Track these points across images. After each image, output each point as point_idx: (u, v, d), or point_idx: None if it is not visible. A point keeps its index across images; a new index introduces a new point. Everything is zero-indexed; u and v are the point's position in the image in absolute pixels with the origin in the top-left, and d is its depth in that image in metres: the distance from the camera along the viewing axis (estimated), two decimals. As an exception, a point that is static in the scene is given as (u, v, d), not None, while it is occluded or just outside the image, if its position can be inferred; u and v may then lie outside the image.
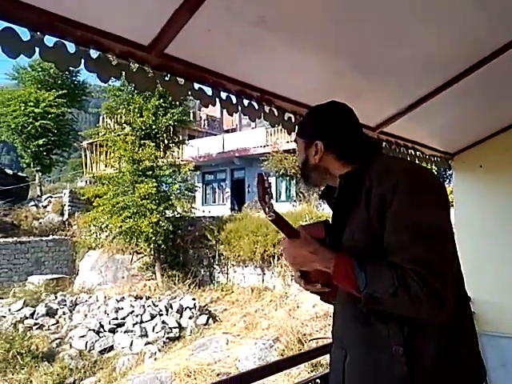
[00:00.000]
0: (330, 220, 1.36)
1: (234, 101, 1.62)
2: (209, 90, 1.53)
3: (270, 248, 11.41)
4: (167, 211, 13.10)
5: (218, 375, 7.21)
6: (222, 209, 17.97)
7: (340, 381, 1.25)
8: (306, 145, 1.34)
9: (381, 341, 1.15)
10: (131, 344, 9.11)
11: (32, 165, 19.90)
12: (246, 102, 1.67)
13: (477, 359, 1.26)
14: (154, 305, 10.48)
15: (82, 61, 1.18)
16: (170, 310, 10.27)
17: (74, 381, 8.33)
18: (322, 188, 1.43)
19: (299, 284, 1.34)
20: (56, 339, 9.47)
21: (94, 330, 9.42)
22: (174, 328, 9.60)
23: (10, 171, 19.87)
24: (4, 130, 19.10)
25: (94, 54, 1.21)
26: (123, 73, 1.26)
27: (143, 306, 10.36)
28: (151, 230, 12.12)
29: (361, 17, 1.52)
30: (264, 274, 11.95)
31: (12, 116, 18.31)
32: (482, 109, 2.72)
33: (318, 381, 1.76)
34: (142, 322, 9.77)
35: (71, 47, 1.17)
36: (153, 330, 9.49)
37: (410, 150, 2.95)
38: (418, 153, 3.03)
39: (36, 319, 10.25)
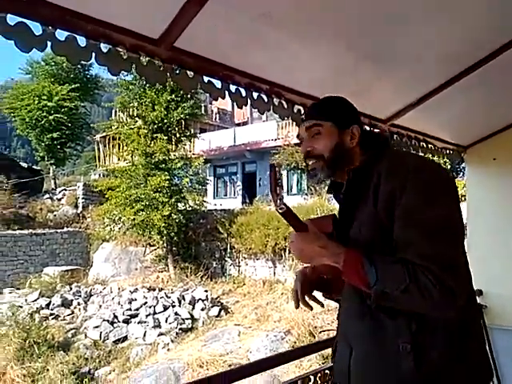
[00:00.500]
0: (337, 214, 1.35)
1: (244, 94, 1.63)
2: (218, 83, 1.54)
3: (282, 241, 11.43)
4: (179, 204, 13.19)
5: (229, 366, 7.29)
6: (233, 202, 18.02)
7: (346, 377, 1.24)
8: (339, 130, 1.29)
9: (388, 337, 1.14)
10: (144, 334, 9.24)
11: (46, 158, 20.19)
12: (255, 94, 1.68)
13: (486, 355, 1.25)
14: (166, 296, 10.61)
15: (93, 54, 1.20)
16: (182, 301, 10.39)
17: (89, 370, 8.49)
18: (329, 182, 1.40)
19: (295, 301, 1.35)
20: (71, 329, 9.67)
21: (108, 321, 9.58)
22: (187, 319, 9.71)
23: (24, 164, 20.20)
24: (19, 124, 19.39)
25: (104, 47, 1.22)
26: (133, 66, 1.28)
27: (156, 297, 10.49)
28: (163, 223, 12.23)
29: (371, 7, 1.50)
30: (275, 266, 11.98)
31: (26, 110, 18.55)
32: (496, 100, 2.67)
33: (327, 371, 1.77)
34: (155, 313, 9.89)
35: (82, 41, 1.19)
36: (166, 321, 9.61)
37: (421, 143, 2.93)
38: (429, 145, 3.00)
39: (52, 309, 10.47)
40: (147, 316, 9.76)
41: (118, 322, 9.69)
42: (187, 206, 13.65)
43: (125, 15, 1.22)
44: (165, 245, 13.41)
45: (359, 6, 1.49)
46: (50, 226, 16.06)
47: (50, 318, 10.13)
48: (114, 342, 9.16)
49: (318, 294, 1.40)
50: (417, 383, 1.11)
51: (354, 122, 1.30)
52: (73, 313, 10.61)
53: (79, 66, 20.42)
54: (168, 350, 8.73)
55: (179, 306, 10.22)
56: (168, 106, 13.61)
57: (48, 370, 8.29)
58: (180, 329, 9.41)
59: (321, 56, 1.76)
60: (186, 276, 12.48)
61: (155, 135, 13.35)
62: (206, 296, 10.55)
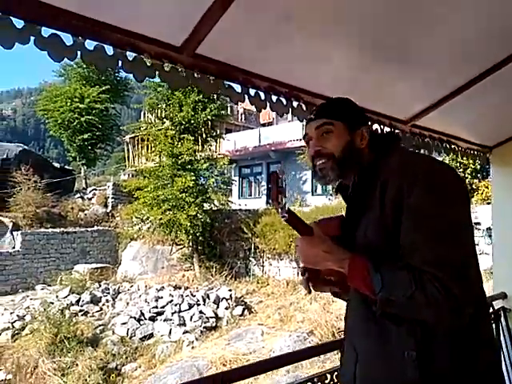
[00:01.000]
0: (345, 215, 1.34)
1: (263, 97, 1.68)
2: (238, 87, 1.60)
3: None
4: (205, 204, 13.37)
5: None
6: (257, 202, 18.09)
7: (352, 382, 1.23)
8: (349, 130, 1.27)
9: (393, 344, 1.11)
10: (170, 332, 9.39)
11: (78, 158, 20.77)
12: (274, 97, 1.73)
13: (496, 365, 1.19)
14: (191, 295, 10.77)
15: (120, 62, 1.28)
16: (207, 300, 10.52)
17: (116, 366, 8.69)
18: (337, 183, 1.37)
19: (306, 288, 1.31)
20: (100, 325, 9.91)
21: (135, 318, 9.78)
22: (211, 318, 9.83)
23: (57, 164, 20.82)
24: (52, 125, 20.02)
25: (130, 55, 1.30)
26: (157, 72, 1.35)
27: (182, 295, 10.66)
28: (189, 223, 12.41)
29: (394, 7, 1.51)
30: (299, 267, 11.98)
31: (59, 112, 19.13)
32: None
33: (327, 375, 1.80)
34: (180, 311, 10.05)
35: (109, 50, 1.27)
36: (190, 319, 9.75)
37: (444, 144, 2.89)
38: (453, 146, 2.97)
39: (81, 306, 10.75)
40: (173, 314, 9.93)
41: (145, 319, 9.89)
42: (212, 205, 13.83)
43: (149, 24, 1.29)
44: (190, 244, 13.62)
45: (377, 6, 1.49)
46: (80, 224, 16.53)
47: (80, 314, 10.40)
48: (140, 338, 9.35)
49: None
50: None
51: (363, 124, 1.30)
52: (101, 309, 10.87)
53: (109, 69, 20.91)
54: (192, 347, 8.86)
55: (204, 304, 10.36)
56: (195, 107, 13.82)
57: (77, 364, 8.52)
58: (204, 327, 9.53)
59: (341, 58, 1.78)
60: (211, 275, 12.63)
61: (182, 136, 13.58)
62: (230, 295, 10.65)
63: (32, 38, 1.12)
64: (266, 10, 1.35)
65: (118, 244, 16.18)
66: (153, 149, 15.41)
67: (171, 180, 12.94)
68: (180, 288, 11.38)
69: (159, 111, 15.17)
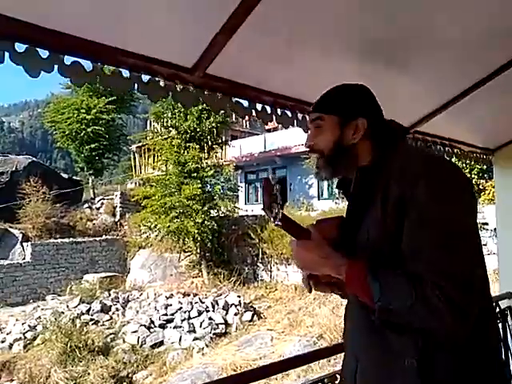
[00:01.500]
0: (345, 215, 1.27)
1: (269, 111, 1.77)
2: (245, 103, 1.68)
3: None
4: (212, 211, 13.47)
5: (263, 370, 7.38)
6: (264, 208, 18.13)
7: None
8: (341, 123, 1.18)
9: (393, 352, 1.06)
10: (180, 339, 9.45)
11: (85, 169, 21.01)
12: (279, 111, 1.82)
13: (501, 377, 1.13)
14: (200, 301, 10.83)
15: (135, 85, 1.37)
16: (216, 306, 10.58)
17: (128, 374, 8.72)
18: (338, 179, 1.32)
19: (306, 287, 1.26)
20: (110, 334, 9.97)
21: (145, 326, 9.84)
22: (221, 324, 9.88)
23: (65, 175, 21.04)
24: (59, 137, 20.26)
25: (145, 78, 1.39)
26: (170, 93, 1.44)
27: (191, 302, 10.72)
28: (197, 230, 12.51)
29: (392, 17, 1.55)
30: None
31: (66, 123, 19.37)
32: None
33: (325, 380, 1.85)
34: (189, 318, 10.11)
35: (126, 73, 1.36)
36: (200, 326, 9.80)
37: (447, 148, 2.96)
38: (455, 150, 3.03)
39: (92, 315, 10.83)
40: (182, 321, 9.99)
41: (155, 326, 9.96)
42: (219, 212, 13.92)
43: (162, 48, 1.39)
44: (198, 251, 13.70)
45: (375, 15, 1.53)
46: (89, 234, 16.69)
47: (90, 323, 10.46)
48: (150, 346, 9.40)
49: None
50: None
51: (360, 114, 1.17)
52: (111, 318, 10.94)
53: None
54: (203, 354, 8.91)
55: (213, 311, 10.41)
56: (200, 116, 13.97)
57: (89, 373, 8.58)
58: (214, 333, 9.59)
59: (342, 70, 1.85)
60: (219, 281, 12.69)
61: (188, 144, 13.73)
62: (239, 301, 10.71)
63: (55, 66, 1.22)
64: (270, 31, 1.43)
65: (127, 252, 16.29)
66: (159, 157, 15.57)
67: (178, 188, 13.06)
68: (189, 295, 11.45)
69: (165, 120, 15.33)
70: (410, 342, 1.03)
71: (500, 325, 3.10)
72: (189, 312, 10.28)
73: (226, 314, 10.36)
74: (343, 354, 1.33)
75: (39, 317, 10.84)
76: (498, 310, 3.11)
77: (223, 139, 16.14)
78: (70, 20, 1.21)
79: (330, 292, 1.29)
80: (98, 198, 19.75)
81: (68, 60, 1.26)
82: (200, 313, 10.25)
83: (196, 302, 10.74)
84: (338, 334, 7.57)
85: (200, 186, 12.97)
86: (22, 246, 14.49)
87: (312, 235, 1.15)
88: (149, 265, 14.64)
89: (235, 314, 10.28)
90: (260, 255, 13.27)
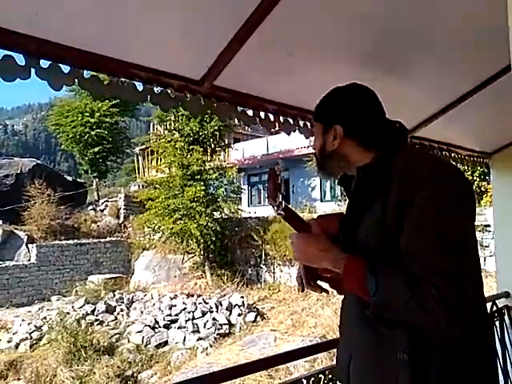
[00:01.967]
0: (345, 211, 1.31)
1: (272, 119, 1.87)
2: (250, 112, 1.79)
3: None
4: (215, 213, 13.59)
5: (266, 370, 7.49)
6: (267, 209, 18.23)
7: (346, 380, 1.22)
8: (323, 129, 1.25)
9: (386, 347, 1.09)
10: (184, 339, 9.55)
11: (90, 171, 21.17)
12: (282, 118, 1.92)
13: (492, 376, 1.15)
14: (204, 302, 10.93)
15: (148, 97, 1.48)
16: (219, 307, 10.68)
17: (133, 373, 8.83)
18: (339, 176, 1.35)
19: (299, 285, 1.30)
20: (115, 334, 10.09)
21: (149, 326, 9.95)
22: (224, 325, 9.98)
23: (69, 178, 21.21)
24: (63, 140, 20.43)
25: (157, 90, 1.50)
26: (180, 103, 1.55)
27: (195, 303, 10.83)
28: (200, 232, 12.63)
29: (390, 24, 1.61)
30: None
31: (70, 126, 19.54)
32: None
33: (326, 372, 1.94)
34: (193, 318, 10.22)
35: (140, 86, 1.47)
36: (204, 327, 9.91)
37: (444, 152, 3.05)
38: (453, 154, 3.12)
39: (97, 315, 10.94)
40: (186, 321, 10.09)
41: (159, 327, 10.07)
42: (223, 214, 14.04)
43: (173, 63, 1.50)
44: (202, 252, 13.82)
45: (374, 25, 1.60)
46: (93, 236, 16.85)
47: (95, 323, 10.58)
48: (155, 346, 9.51)
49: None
50: None
51: (336, 121, 1.22)
52: (116, 318, 11.05)
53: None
54: (207, 354, 9.01)
55: (217, 311, 10.52)
56: (202, 119, 14.09)
57: (94, 372, 8.68)
58: (218, 334, 9.68)
59: (341, 78, 1.95)
60: (223, 282, 12.81)
61: (191, 147, 13.85)
62: (243, 302, 10.80)
63: (76, 80, 1.33)
64: (272, 46, 1.54)
65: (131, 254, 16.44)
66: (162, 160, 15.71)
67: (181, 190, 13.19)
68: (193, 296, 11.56)
69: (168, 123, 15.46)
70: (403, 336, 1.05)
71: (497, 323, 3.20)
72: (193, 312, 10.39)
73: (230, 314, 10.46)
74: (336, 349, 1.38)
75: (45, 317, 10.96)
76: (495, 308, 3.20)
77: (226, 142, 16.26)
78: (88, 38, 1.33)
79: (320, 292, 1.32)
80: (102, 200, 19.91)
81: (87, 74, 1.37)
82: (204, 313, 10.35)
83: (200, 303, 10.85)
84: (340, 334, 7.64)
85: (203, 188, 13.08)
86: (28, 247, 14.65)
87: (312, 229, 1.20)
88: (153, 266, 14.76)
89: (239, 315, 10.38)
90: (263, 257, 13.37)
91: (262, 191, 20.46)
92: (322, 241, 1.16)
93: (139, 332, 9.88)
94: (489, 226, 9.53)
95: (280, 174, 1.18)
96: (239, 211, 14.87)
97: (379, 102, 1.26)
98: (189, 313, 10.39)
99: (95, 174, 21.10)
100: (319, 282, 1.33)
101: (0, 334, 10.58)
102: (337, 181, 1.35)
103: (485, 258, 9.71)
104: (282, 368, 7.25)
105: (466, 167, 3.36)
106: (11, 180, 17.04)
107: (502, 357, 3.04)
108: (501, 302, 3.29)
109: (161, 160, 16.55)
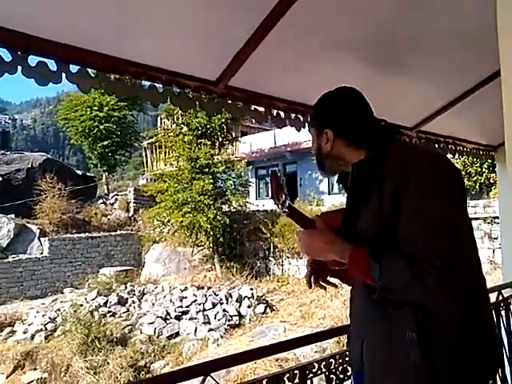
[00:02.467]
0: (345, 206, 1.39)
1: (282, 116, 1.96)
2: (262, 110, 1.88)
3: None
4: (223, 206, 13.70)
5: (276, 360, 7.62)
6: (275, 202, 18.31)
7: (360, 365, 1.29)
8: (317, 133, 1.35)
9: (395, 327, 1.17)
10: (195, 330, 9.69)
11: (99, 165, 21.37)
12: (292, 115, 2.01)
13: (492, 347, 1.26)
14: (214, 294, 11.07)
15: (168, 98, 1.58)
16: (229, 299, 10.81)
17: (146, 363, 8.96)
18: (338, 174, 1.44)
19: (307, 283, 1.39)
20: (128, 325, 10.23)
21: (161, 317, 10.09)
22: (234, 316, 10.11)
23: (79, 172, 21.44)
24: (73, 134, 20.65)
25: (176, 91, 1.60)
26: (197, 103, 1.65)
27: (205, 295, 10.96)
28: (209, 225, 12.76)
29: (395, 24, 1.68)
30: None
31: (79, 120, 19.73)
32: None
33: (337, 357, 2.04)
34: (204, 310, 10.36)
35: (160, 88, 1.57)
36: (215, 318, 10.04)
37: (450, 146, 3.11)
38: (458, 147, 3.19)
39: (109, 307, 11.12)
40: (197, 313, 10.24)
41: (171, 318, 10.21)
42: (231, 207, 14.15)
43: (191, 65, 1.60)
44: (211, 245, 13.96)
45: (381, 21, 1.67)
46: (104, 229, 17.07)
47: (108, 315, 10.73)
48: (167, 337, 9.64)
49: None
50: (424, 371, 1.13)
51: (326, 126, 1.32)
52: (128, 310, 11.22)
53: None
54: (218, 345, 9.15)
55: (227, 303, 10.65)
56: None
57: (108, 363, 8.82)
58: (228, 325, 9.81)
59: (348, 76, 2.02)
60: (232, 275, 12.95)
61: (199, 140, 13.94)
62: (252, 294, 10.92)
63: (103, 84, 1.43)
64: (283, 48, 1.63)
65: (141, 247, 16.63)
66: (171, 153, 15.83)
67: (190, 183, 13.30)
68: (203, 288, 11.70)
69: (176, 117, 15.54)
70: (410, 315, 1.13)
71: (503, 312, 3.27)
72: (203, 304, 10.53)
73: (240, 306, 10.59)
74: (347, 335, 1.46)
75: (58, 309, 11.16)
76: (501, 298, 3.27)
77: (233, 135, 16.33)
78: (112, 44, 1.43)
79: (329, 285, 1.42)
80: (111, 194, 20.12)
81: (114, 78, 1.47)
82: (214, 305, 10.50)
83: (210, 295, 10.99)
84: (349, 325, 7.74)
85: (211, 181, 13.19)
86: (40, 240, 14.90)
87: (317, 224, 1.28)
88: (163, 259, 14.95)
89: (248, 307, 10.51)
90: (271, 249, 13.49)
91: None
92: (327, 234, 1.25)
93: (151, 323, 10.02)
94: (497, 217, 9.53)
95: (281, 175, 1.26)
96: (247, 204, 14.97)
97: (366, 102, 1.33)
98: (199, 304, 10.54)
99: (104, 168, 21.29)
100: (329, 279, 1.42)
101: (16, 325, 10.80)
102: (336, 178, 1.45)
103: (493, 250, 9.74)
104: (292, 358, 7.38)
105: (476, 159, 3.41)
106: (23, 174, 17.29)
107: (508, 346, 3.11)
108: (506, 292, 3.36)
109: (169, 153, 16.68)
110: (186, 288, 11.65)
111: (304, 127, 2.08)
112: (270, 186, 1.24)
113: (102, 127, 19.69)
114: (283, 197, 1.23)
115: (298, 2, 1.36)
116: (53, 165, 18.17)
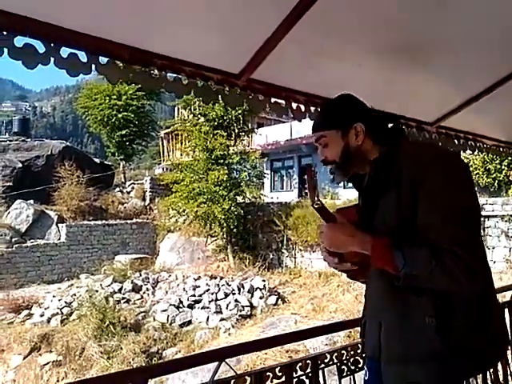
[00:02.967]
0: (360, 203, 1.44)
1: (303, 109, 1.98)
2: (282, 103, 1.91)
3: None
4: (238, 197, 13.77)
5: (286, 352, 7.69)
6: (289, 195, 18.34)
7: (377, 349, 1.33)
8: (342, 133, 1.35)
9: (415, 312, 1.23)
10: (207, 319, 9.83)
11: (117, 154, 21.59)
12: (312, 108, 2.03)
13: (503, 327, 1.37)
14: (227, 284, 11.18)
15: (192, 90, 1.61)
16: (241, 289, 10.91)
17: (158, 350, 9.13)
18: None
19: (329, 263, 1.40)
20: (141, 312, 10.42)
21: (174, 305, 10.25)
22: (246, 306, 10.21)
23: (97, 160, 21.72)
24: (91, 122, 20.86)
25: (199, 84, 1.63)
26: (219, 96, 1.68)
27: (218, 285, 11.09)
28: (223, 216, 12.84)
29: (416, 10, 1.63)
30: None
31: (98, 109, 19.90)
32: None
33: (348, 348, 2.07)
34: (216, 299, 10.49)
35: (185, 80, 1.61)
36: (226, 308, 10.16)
37: (470, 142, 3.09)
38: (478, 144, 3.16)
39: (123, 294, 11.32)
40: (210, 302, 10.37)
41: (184, 306, 10.37)
42: (245, 199, 14.22)
43: (215, 58, 1.63)
44: (225, 236, 14.06)
45: (401, 14, 1.64)
46: (120, 217, 17.32)
47: (122, 301, 10.93)
48: (179, 325, 9.80)
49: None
50: (442, 352, 1.19)
51: (355, 120, 1.34)
52: (142, 297, 11.40)
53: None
54: (229, 334, 9.27)
55: (239, 293, 10.75)
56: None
57: (122, 348, 9.02)
58: (240, 315, 9.92)
59: (369, 70, 2.03)
60: (245, 266, 13.04)
61: (216, 131, 13.98)
62: (264, 285, 11.01)
63: (131, 75, 1.48)
64: (305, 42, 1.65)
65: (156, 236, 16.82)
66: (187, 144, 15.92)
67: (205, 174, 13.39)
68: (216, 278, 11.82)
69: (193, 108, 15.60)
70: (429, 302, 1.20)
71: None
72: (216, 294, 10.66)
73: (252, 297, 10.69)
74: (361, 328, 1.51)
75: (74, 294, 11.41)
76: (510, 299, 3.25)
77: (249, 127, 16.33)
78: (140, 38, 1.47)
79: (347, 270, 1.44)
80: (128, 183, 20.34)
81: (140, 70, 1.51)
82: (226, 295, 10.61)
83: (223, 285, 11.10)
84: (360, 319, 7.76)
85: (227, 172, 13.26)
86: (58, 226, 15.20)
87: (337, 219, 1.32)
88: (177, 248, 15.12)
89: (260, 298, 10.60)
90: (285, 242, 13.52)
91: (285, 177, 20.51)
92: (348, 227, 1.30)
93: (164, 311, 10.19)
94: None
95: (315, 170, 1.27)
96: (262, 196, 15.01)
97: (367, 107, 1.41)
98: (212, 294, 10.66)
99: (122, 157, 21.50)
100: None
101: (33, 308, 11.09)
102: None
103: (510, 249, 9.61)
104: (302, 350, 7.43)
105: (496, 156, 3.38)
106: (42, 161, 17.59)
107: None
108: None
109: (185, 144, 16.78)
110: (199, 277, 11.80)
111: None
112: (306, 179, 1.27)
113: (120, 116, 19.84)
114: (316, 192, 1.25)
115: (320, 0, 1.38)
116: (72, 152, 18.44)
